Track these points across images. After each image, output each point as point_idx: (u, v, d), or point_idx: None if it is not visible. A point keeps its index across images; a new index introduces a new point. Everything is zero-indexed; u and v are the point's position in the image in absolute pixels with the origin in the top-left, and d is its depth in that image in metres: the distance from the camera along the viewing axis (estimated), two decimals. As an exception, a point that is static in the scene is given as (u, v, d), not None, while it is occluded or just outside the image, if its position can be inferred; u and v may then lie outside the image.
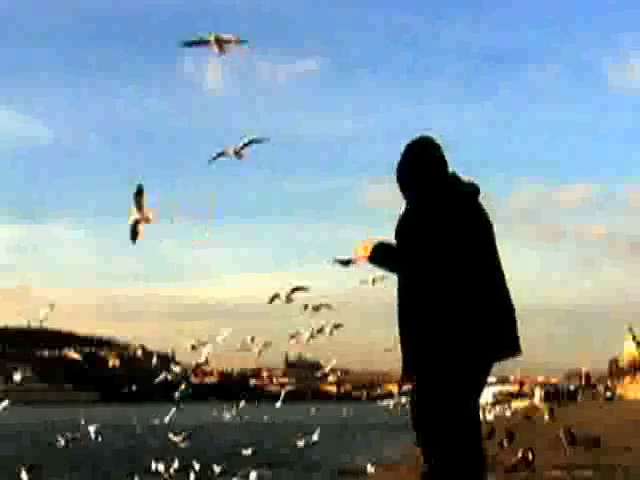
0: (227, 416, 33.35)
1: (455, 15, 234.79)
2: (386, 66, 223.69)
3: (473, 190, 4.46)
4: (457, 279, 4.26)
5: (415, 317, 4.31)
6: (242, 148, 8.40)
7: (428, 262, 4.26)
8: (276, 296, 11.07)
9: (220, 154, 8.46)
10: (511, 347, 4.40)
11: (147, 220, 7.49)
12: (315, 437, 24.33)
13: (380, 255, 4.45)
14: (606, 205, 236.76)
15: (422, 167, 4.41)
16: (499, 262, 4.45)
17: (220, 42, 7.90)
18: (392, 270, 4.48)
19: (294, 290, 11.15)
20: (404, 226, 4.38)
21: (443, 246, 4.25)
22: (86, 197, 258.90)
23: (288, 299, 11.07)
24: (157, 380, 20.91)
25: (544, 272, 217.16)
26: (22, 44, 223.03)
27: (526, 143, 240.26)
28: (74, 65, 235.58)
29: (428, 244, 4.25)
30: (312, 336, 13.39)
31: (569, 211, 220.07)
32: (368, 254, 4.46)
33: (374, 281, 10.93)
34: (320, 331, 13.15)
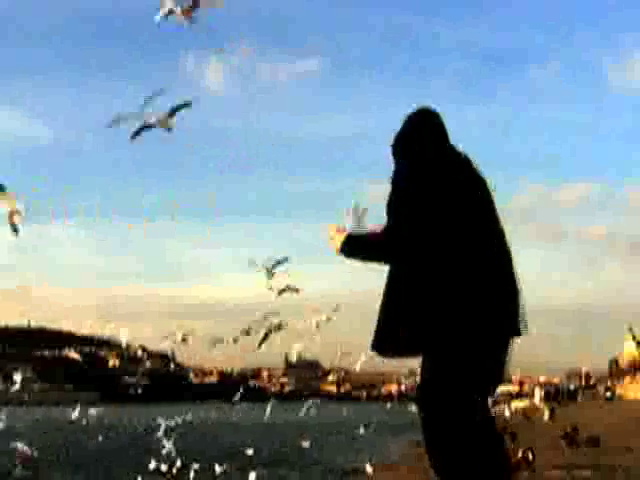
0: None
1: (455, 15, 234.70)
2: (386, 66, 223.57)
3: (468, 157, 4.18)
4: (462, 249, 3.90)
5: (415, 295, 3.88)
6: (169, 116, 7.61)
7: (426, 231, 3.89)
8: (253, 262, 10.54)
9: (143, 128, 7.40)
10: (516, 326, 3.99)
11: (19, 213, 7.26)
12: (362, 430, 24.49)
13: (356, 246, 4.09)
14: (606, 205, 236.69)
15: (421, 134, 4.15)
16: (503, 233, 4.12)
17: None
18: (373, 259, 4.07)
19: (277, 263, 10.62)
20: (397, 193, 3.99)
21: (442, 214, 3.91)
22: (86, 197, 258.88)
23: (268, 272, 10.57)
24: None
25: (544, 272, 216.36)
26: (22, 44, 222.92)
27: (526, 143, 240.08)
28: (74, 65, 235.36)
29: (426, 211, 3.89)
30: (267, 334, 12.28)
31: (569, 211, 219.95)
32: (339, 246, 4.10)
33: None
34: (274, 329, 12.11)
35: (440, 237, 3.90)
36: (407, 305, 3.89)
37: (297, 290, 10.72)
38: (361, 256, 4.10)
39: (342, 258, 4.13)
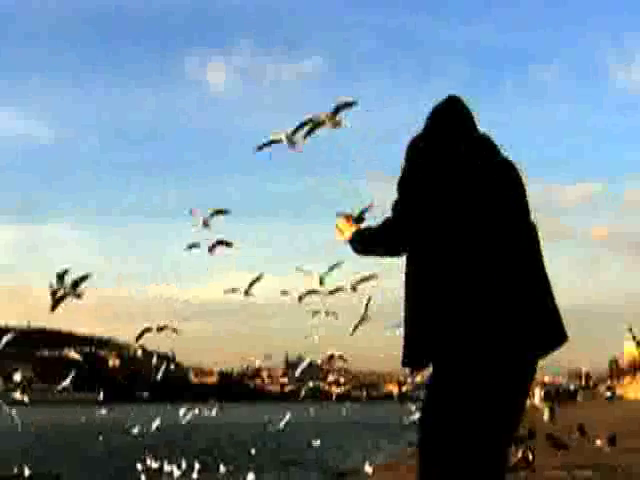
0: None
1: (456, 15, 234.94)
2: (387, 66, 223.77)
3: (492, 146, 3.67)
4: (469, 249, 3.41)
5: (421, 299, 3.43)
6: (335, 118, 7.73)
7: (428, 226, 3.44)
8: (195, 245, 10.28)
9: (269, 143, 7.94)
10: (551, 336, 3.42)
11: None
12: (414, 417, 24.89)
13: (361, 238, 3.69)
14: (606, 205, 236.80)
15: (438, 131, 3.65)
16: (533, 232, 3.62)
17: None
18: (373, 251, 3.68)
19: (219, 243, 10.36)
20: (402, 185, 3.57)
21: (451, 207, 3.44)
22: (87, 197, 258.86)
23: (210, 249, 10.31)
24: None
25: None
26: (22, 44, 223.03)
27: (527, 143, 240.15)
28: (74, 65, 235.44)
29: (430, 204, 3.45)
30: None
31: (569, 211, 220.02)
32: (347, 237, 3.75)
33: (300, 298, 10.62)
34: None
35: (445, 233, 3.43)
36: (411, 314, 3.47)
37: (229, 244, 10.36)
38: (363, 248, 3.72)
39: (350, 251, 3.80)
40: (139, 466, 18.26)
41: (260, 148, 7.89)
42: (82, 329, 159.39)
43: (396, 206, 3.54)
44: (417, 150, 3.61)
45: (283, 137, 7.87)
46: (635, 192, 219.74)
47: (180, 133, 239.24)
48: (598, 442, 17.42)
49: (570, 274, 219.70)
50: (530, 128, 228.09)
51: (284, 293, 10.98)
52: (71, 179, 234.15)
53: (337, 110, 7.61)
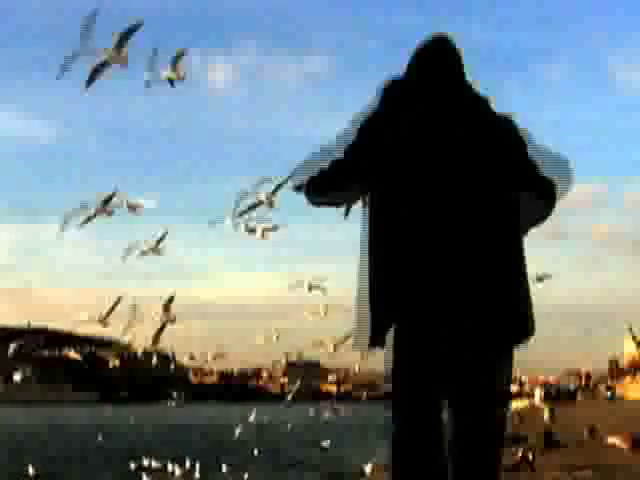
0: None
1: (458, 14, 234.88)
2: (389, 66, 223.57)
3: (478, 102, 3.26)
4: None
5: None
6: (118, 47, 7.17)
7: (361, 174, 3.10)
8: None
9: (95, 71, 7.34)
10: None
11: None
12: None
13: (309, 180, 3.23)
14: (607, 205, 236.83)
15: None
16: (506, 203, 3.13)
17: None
18: (318, 197, 3.26)
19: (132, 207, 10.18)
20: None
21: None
22: (86, 197, 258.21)
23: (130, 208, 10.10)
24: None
25: (544, 272, 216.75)
26: (22, 44, 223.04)
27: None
28: (75, 64, 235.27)
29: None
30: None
31: (570, 211, 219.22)
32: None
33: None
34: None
35: (387, 189, 3.09)
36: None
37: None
38: (307, 190, 3.26)
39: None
40: (140, 465, 18.27)
41: (90, 82, 7.28)
42: (82, 329, 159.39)
43: (346, 149, 3.11)
44: (388, 97, 3.19)
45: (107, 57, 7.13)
46: (635, 192, 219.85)
47: (180, 133, 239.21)
48: (617, 442, 16.80)
49: (570, 274, 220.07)
50: (530, 128, 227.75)
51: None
52: (71, 179, 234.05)
53: (120, 42, 6.92)
